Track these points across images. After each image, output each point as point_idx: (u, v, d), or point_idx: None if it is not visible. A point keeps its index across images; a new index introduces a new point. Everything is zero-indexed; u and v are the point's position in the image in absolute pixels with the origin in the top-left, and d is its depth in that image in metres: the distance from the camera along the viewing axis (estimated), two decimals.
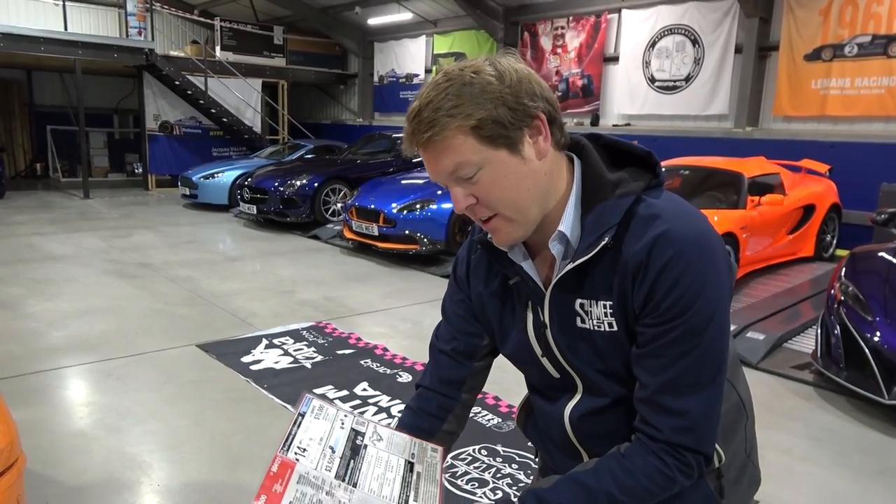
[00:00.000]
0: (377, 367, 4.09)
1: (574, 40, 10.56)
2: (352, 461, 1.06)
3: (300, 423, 1.08)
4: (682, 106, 9.28)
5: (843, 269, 4.06)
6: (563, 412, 1.23)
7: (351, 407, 3.50)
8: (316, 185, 8.85)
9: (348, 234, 7.58)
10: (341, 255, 7.58)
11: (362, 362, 4.15)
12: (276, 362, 4.11)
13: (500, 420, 3.33)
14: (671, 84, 9.37)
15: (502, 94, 1.02)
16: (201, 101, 12.67)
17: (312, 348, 4.38)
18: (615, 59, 10.06)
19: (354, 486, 1.04)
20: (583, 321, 1.13)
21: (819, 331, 3.97)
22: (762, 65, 8.63)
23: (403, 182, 7.77)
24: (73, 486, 2.69)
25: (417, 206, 6.98)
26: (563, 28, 10.71)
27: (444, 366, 1.34)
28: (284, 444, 1.06)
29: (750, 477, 1.33)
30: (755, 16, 8.41)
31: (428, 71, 13.18)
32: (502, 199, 1.07)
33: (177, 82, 12.28)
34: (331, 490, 1.02)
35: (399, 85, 14.00)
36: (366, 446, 1.07)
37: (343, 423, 1.10)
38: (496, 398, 3.55)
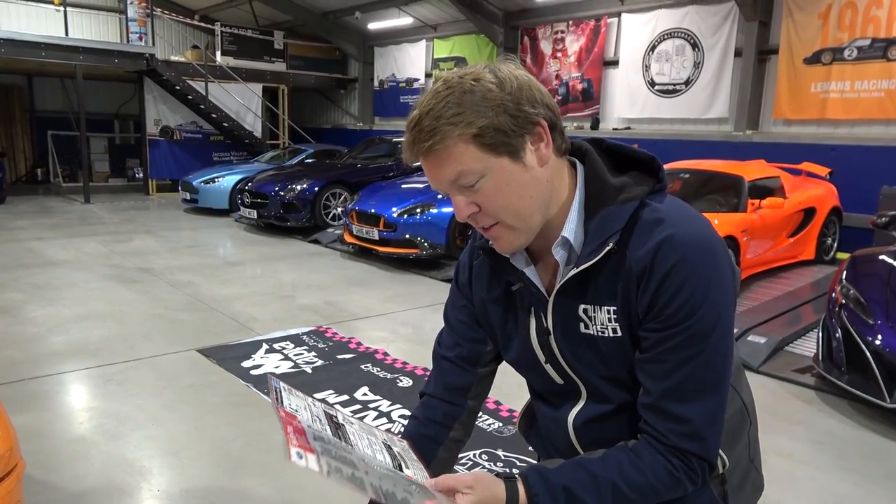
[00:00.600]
0: (377, 371, 4.08)
1: (574, 44, 10.58)
2: (338, 430, 1.05)
3: (281, 395, 1.06)
4: (682, 109, 9.29)
5: (844, 272, 4.05)
6: (567, 418, 1.23)
7: (351, 412, 3.49)
8: (316, 189, 8.86)
9: (349, 239, 7.58)
10: (342, 259, 7.58)
11: (363, 367, 4.15)
12: (277, 367, 4.10)
13: (500, 424, 3.33)
14: (671, 88, 9.38)
15: (503, 101, 1.01)
16: (202, 106, 12.70)
17: (313, 353, 4.37)
18: (615, 63, 10.08)
19: (351, 447, 1.03)
20: (586, 327, 1.13)
21: (820, 334, 3.96)
22: (762, 68, 8.64)
23: (404, 186, 7.78)
24: (72, 492, 2.68)
25: (418, 210, 6.98)
26: (562, 32, 10.73)
27: (449, 373, 1.33)
28: (278, 401, 1.04)
29: (753, 482, 1.33)
30: (755, 19, 8.42)
31: (428, 75, 13.21)
32: (505, 206, 1.06)
33: (177, 87, 12.31)
34: (335, 444, 1.02)
35: (399, 89, 14.03)
36: (343, 425, 1.06)
37: (314, 405, 1.09)
38: (497, 402, 3.54)
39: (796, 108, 8.22)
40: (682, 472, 1.06)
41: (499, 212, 1.07)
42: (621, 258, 1.07)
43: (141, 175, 13.76)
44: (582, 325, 1.13)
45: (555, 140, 1.08)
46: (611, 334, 1.10)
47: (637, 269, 1.05)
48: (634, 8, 9.70)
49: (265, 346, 4.45)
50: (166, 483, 2.79)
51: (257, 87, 13.77)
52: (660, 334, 1.05)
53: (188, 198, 10.92)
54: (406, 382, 3.90)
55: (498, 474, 1.09)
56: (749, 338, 4.43)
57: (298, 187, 8.85)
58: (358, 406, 3.56)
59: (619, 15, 9.95)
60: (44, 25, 12.97)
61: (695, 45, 9.06)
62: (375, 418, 3.42)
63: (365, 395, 3.72)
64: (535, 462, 1.37)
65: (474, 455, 2.99)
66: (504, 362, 1.35)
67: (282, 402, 1.04)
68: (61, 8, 11.82)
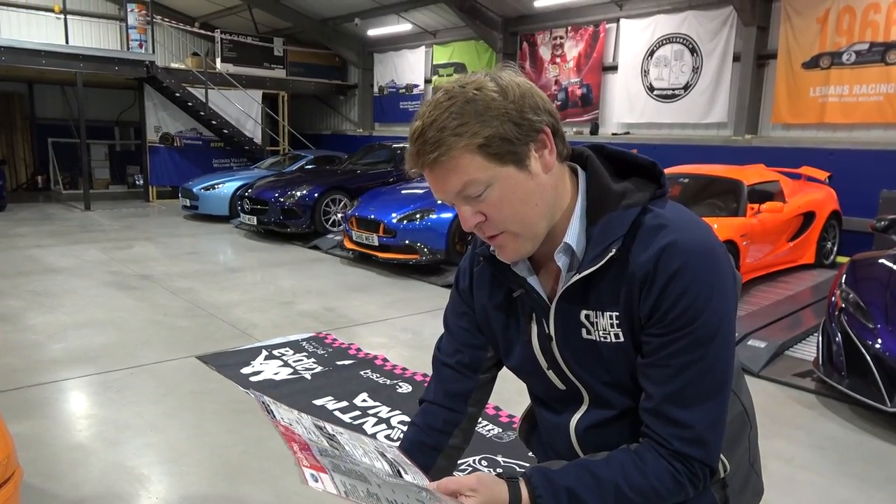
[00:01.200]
0: (377, 377, 4.07)
1: (573, 50, 10.60)
2: (331, 441, 1.04)
3: (270, 410, 1.05)
4: (681, 114, 9.30)
5: (844, 276, 4.05)
6: (569, 424, 1.22)
7: (350, 418, 3.48)
8: (316, 195, 8.87)
9: (348, 245, 7.58)
10: (341, 265, 7.58)
11: (362, 373, 4.14)
12: (276, 373, 4.10)
13: (500, 430, 3.32)
14: (670, 93, 9.40)
15: (507, 109, 1.01)
16: (202, 113, 12.72)
17: (312, 359, 4.36)
18: (614, 69, 10.10)
19: (353, 457, 1.02)
20: (588, 333, 1.13)
21: (820, 338, 3.96)
22: (760, 73, 8.66)
23: (403, 192, 7.78)
24: (71, 500, 2.67)
25: (417, 215, 6.98)
26: (561, 38, 10.75)
27: (449, 379, 1.32)
28: (271, 416, 1.03)
29: (754, 486, 1.32)
30: (753, 24, 8.44)
31: (428, 81, 13.23)
32: (511, 215, 1.06)
33: (177, 94, 12.33)
34: (340, 456, 1.01)
35: (399, 95, 14.05)
36: (334, 436, 1.05)
37: (302, 417, 1.08)
38: (497, 408, 3.53)
39: (795, 113, 8.23)
40: (684, 477, 1.06)
41: (505, 221, 1.07)
42: (624, 264, 1.07)
43: (141, 182, 13.76)
44: (584, 330, 1.13)
45: (557, 146, 1.08)
46: (613, 340, 1.10)
47: (640, 274, 1.05)
48: (633, 13, 9.72)
49: (265, 353, 4.44)
50: (165, 490, 2.78)
51: (257, 94, 13.79)
52: (662, 339, 1.05)
53: (188, 204, 10.93)
54: (406, 388, 3.90)
55: (499, 474, 1.08)
56: (749, 342, 4.42)
57: (298, 193, 8.86)
58: (357, 412, 3.56)
59: (617, 20, 9.97)
60: (44, 33, 13.03)
61: (693, 50, 9.08)
62: (375, 424, 3.41)
63: (364, 401, 3.71)
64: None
65: (474, 461, 2.99)
66: (504, 368, 1.34)
67: (273, 415, 1.04)
68: (61, 16, 11.87)
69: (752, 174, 6.32)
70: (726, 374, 1.07)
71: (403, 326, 5.21)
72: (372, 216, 7.20)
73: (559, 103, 10.76)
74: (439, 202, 6.94)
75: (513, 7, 10.94)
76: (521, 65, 11.02)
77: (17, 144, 14.48)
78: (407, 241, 6.89)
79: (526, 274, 1.17)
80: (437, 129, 1.01)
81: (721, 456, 1.13)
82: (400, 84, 13.99)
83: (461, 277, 1.33)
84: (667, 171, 6.53)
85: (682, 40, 9.19)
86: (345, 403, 3.67)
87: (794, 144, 8.22)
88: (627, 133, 10.00)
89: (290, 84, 14.54)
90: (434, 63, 13.08)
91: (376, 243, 7.09)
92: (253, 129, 13.74)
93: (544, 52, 11.01)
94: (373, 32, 13.51)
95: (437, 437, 1.31)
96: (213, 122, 12.90)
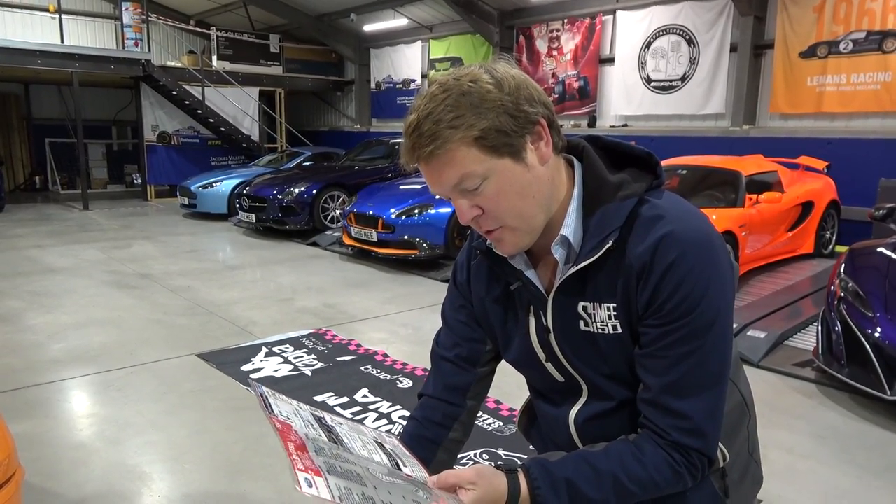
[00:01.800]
0: (377, 373, 4.07)
1: (569, 42, 10.58)
2: (329, 433, 1.04)
3: (269, 401, 1.05)
4: (678, 106, 9.28)
5: (843, 265, 4.05)
6: (569, 416, 1.22)
7: (351, 414, 3.49)
8: (314, 192, 8.86)
9: (347, 241, 7.58)
10: (340, 261, 7.57)
11: (362, 368, 4.14)
12: (277, 370, 4.10)
13: (500, 424, 3.32)
14: (667, 84, 9.38)
15: (503, 101, 1.01)
16: (199, 111, 12.70)
17: (312, 355, 4.37)
18: (611, 61, 10.08)
19: (350, 452, 1.02)
20: (586, 324, 1.13)
21: (820, 328, 3.96)
22: (758, 63, 8.64)
23: (401, 187, 7.77)
24: (73, 499, 2.68)
25: (416, 211, 6.98)
26: (558, 31, 10.73)
27: (448, 373, 1.32)
28: (269, 410, 1.03)
29: (753, 476, 1.33)
30: (749, 14, 8.42)
31: (424, 76, 13.21)
32: (509, 208, 1.06)
33: (174, 92, 12.31)
34: (336, 454, 1.00)
35: (396, 91, 14.02)
36: (333, 427, 1.04)
37: (301, 408, 1.07)
38: (497, 402, 3.54)
39: (793, 103, 8.21)
40: (683, 467, 1.06)
41: (503, 214, 1.06)
42: (621, 255, 1.06)
43: (139, 181, 13.76)
44: (582, 322, 1.13)
45: (553, 138, 1.08)
46: (611, 331, 1.10)
47: (637, 265, 1.05)
48: (629, 5, 9.69)
49: (265, 350, 4.45)
50: (167, 488, 2.79)
51: (254, 91, 13.77)
52: (659, 330, 1.05)
53: (187, 203, 10.92)
54: (406, 383, 3.90)
55: (498, 467, 1.08)
56: (749, 332, 4.43)
57: (296, 190, 8.85)
58: (358, 408, 3.56)
59: (613, 12, 9.94)
60: (39, 33, 12.98)
61: (690, 41, 9.06)
62: (376, 419, 3.42)
63: (365, 396, 3.72)
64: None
65: (475, 455, 2.99)
66: (503, 362, 1.34)
67: (271, 409, 1.03)
68: (56, 15, 11.83)
69: (750, 165, 6.32)
70: (724, 365, 1.07)
71: (403, 322, 5.21)
72: (370, 212, 7.20)
73: (556, 96, 10.74)
74: (438, 197, 6.93)
75: (509, 0, 10.91)
76: (518, 58, 10.99)
77: (15, 145, 14.46)
78: (406, 237, 6.89)
79: (523, 267, 1.17)
80: (432, 121, 1.00)
81: (720, 445, 1.13)
82: (397, 79, 13.96)
83: (458, 271, 1.33)
84: (665, 162, 6.52)
85: (678, 31, 9.17)
86: (345, 399, 3.67)
87: (791, 134, 8.21)
88: (625, 125, 9.98)
89: (286, 81, 14.51)
90: (431, 58, 13.05)
91: (375, 239, 7.09)
92: (250, 126, 13.72)
93: (541, 46, 10.98)
94: (369, 28, 13.47)
95: (436, 431, 1.31)
96: (211, 120, 12.88)
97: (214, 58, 13.58)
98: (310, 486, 0.96)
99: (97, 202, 12.36)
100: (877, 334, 3.45)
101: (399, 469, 1.02)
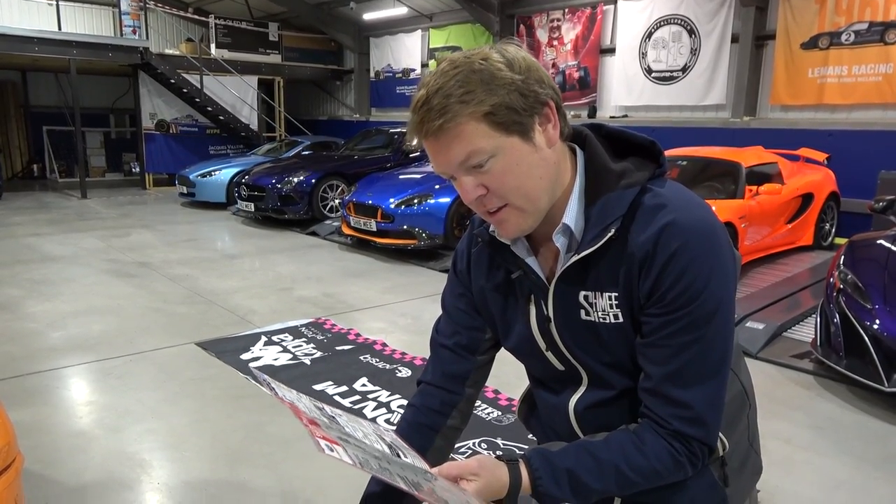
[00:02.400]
0: (376, 362, 4.08)
1: (570, 32, 10.53)
2: (331, 422, 1.04)
3: (272, 387, 1.05)
4: (679, 96, 9.26)
5: (842, 257, 4.05)
6: (568, 404, 1.22)
7: (350, 403, 3.50)
8: (313, 181, 8.84)
9: (346, 231, 7.57)
10: (340, 251, 7.57)
11: (361, 358, 4.15)
12: (276, 359, 4.10)
13: (499, 413, 3.33)
14: (668, 75, 9.35)
15: (513, 80, 1.00)
16: (197, 100, 12.64)
17: (311, 345, 4.37)
18: (612, 51, 10.03)
19: (348, 436, 1.02)
20: (587, 314, 1.12)
21: (818, 319, 3.97)
22: (759, 54, 8.61)
23: (401, 177, 7.76)
24: (72, 486, 2.68)
25: (415, 200, 6.96)
26: (559, 20, 10.67)
27: (447, 361, 1.32)
28: (275, 393, 1.03)
29: (753, 465, 1.33)
30: (751, 4, 8.38)
31: (424, 65, 13.14)
32: (515, 188, 1.04)
33: (172, 81, 12.25)
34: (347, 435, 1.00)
35: (395, 80, 13.96)
36: (333, 417, 1.04)
37: (301, 398, 1.07)
38: (496, 391, 3.55)
39: (794, 94, 8.19)
40: (683, 456, 1.06)
41: (508, 193, 1.05)
42: (623, 244, 1.06)
43: (137, 169, 13.71)
44: (583, 311, 1.13)
45: (560, 122, 1.07)
46: (612, 321, 1.10)
47: (639, 254, 1.04)
48: None
49: (264, 339, 4.45)
50: (167, 476, 2.79)
51: (253, 80, 13.70)
52: (661, 319, 1.04)
53: (185, 192, 10.89)
54: (405, 373, 3.91)
55: (499, 457, 1.08)
56: (747, 324, 4.43)
57: (295, 179, 8.83)
58: (357, 397, 3.57)
59: (615, 2, 9.89)
60: (36, 20, 12.89)
61: (691, 32, 9.02)
62: (375, 408, 3.42)
63: (364, 385, 3.72)
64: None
65: (474, 444, 3.00)
66: (502, 351, 1.34)
67: (276, 392, 1.04)
68: (53, 2, 11.75)
69: (750, 156, 6.31)
70: (726, 354, 1.07)
71: (402, 311, 5.21)
72: (370, 202, 7.18)
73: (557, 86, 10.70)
74: (437, 187, 6.92)
75: None
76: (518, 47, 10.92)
77: (12, 133, 14.40)
78: (405, 227, 6.88)
79: (524, 254, 1.17)
80: (442, 96, 0.99)
81: (720, 434, 1.13)
82: (397, 69, 13.90)
83: (459, 259, 1.32)
84: (665, 153, 6.51)
85: (679, 21, 9.13)
86: (344, 388, 3.68)
87: (792, 126, 8.19)
88: (625, 116, 9.96)
89: (285, 69, 14.44)
90: (431, 47, 12.99)
91: (374, 229, 7.08)
92: (249, 115, 13.66)
93: (541, 35, 10.93)
94: (368, 16, 13.40)
95: (434, 418, 1.31)
96: (209, 109, 12.83)
97: (213, 46, 13.51)
98: (331, 450, 0.95)
99: (95, 190, 12.32)
100: (875, 326, 3.45)
101: (399, 458, 1.02)
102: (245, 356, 4.13)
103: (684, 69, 9.15)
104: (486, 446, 2.99)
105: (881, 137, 7.43)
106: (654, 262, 1.03)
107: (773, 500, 2.64)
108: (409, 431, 1.28)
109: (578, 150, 1.15)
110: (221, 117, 12.99)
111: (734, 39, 8.64)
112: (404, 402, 3.46)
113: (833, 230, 7.14)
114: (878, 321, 3.46)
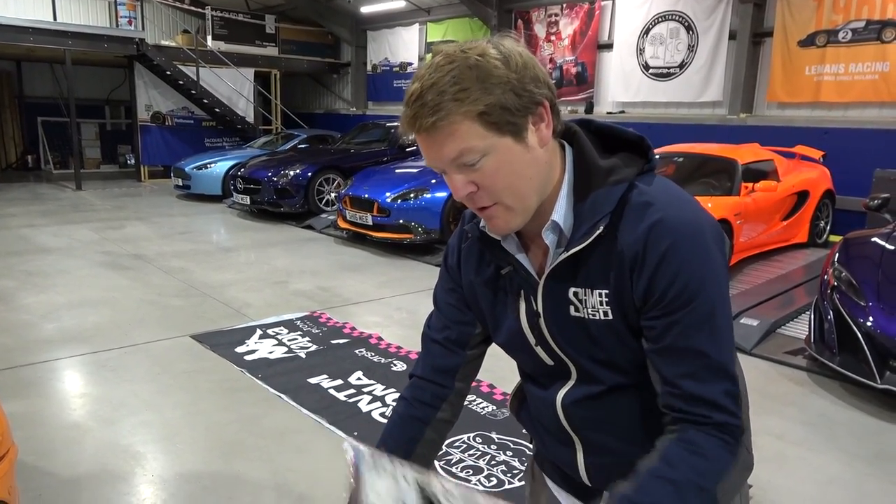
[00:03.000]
0: (372, 356, 4.08)
1: (568, 27, 10.51)
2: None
3: (362, 478, 0.98)
4: (676, 93, 9.26)
5: (837, 254, 4.06)
6: (556, 398, 1.23)
7: (345, 396, 3.50)
8: (309, 174, 8.82)
9: (342, 224, 7.56)
10: (335, 244, 7.56)
11: (357, 352, 4.15)
12: (271, 352, 4.10)
13: (494, 408, 3.34)
14: (665, 71, 9.34)
15: (509, 79, 0.99)
16: (193, 92, 12.58)
17: (307, 338, 4.37)
18: (609, 47, 10.02)
19: None
20: (577, 310, 1.12)
21: (812, 316, 3.98)
22: (756, 51, 8.61)
23: (397, 171, 7.74)
24: (66, 478, 2.68)
25: (411, 195, 6.96)
26: (556, 15, 10.65)
27: (437, 355, 1.32)
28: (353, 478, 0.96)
29: (743, 462, 1.32)
30: (749, 2, 8.38)
31: (422, 59, 13.12)
32: (505, 187, 1.04)
33: (168, 72, 12.19)
34: None
35: (392, 74, 13.93)
36: (436, 497, 0.96)
37: (406, 477, 0.99)
38: (490, 386, 3.55)
39: (790, 91, 8.20)
40: (732, 444, 1.04)
41: (498, 191, 1.05)
42: (612, 241, 1.06)
43: (133, 161, 13.66)
44: (572, 308, 1.13)
45: (553, 121, 1.07)
46: (602, 317, 1.10)
47: (629, 254, 1.04)
48: None
49: (259, 332, 4.44)
50: (160, 468, 2.79)
51: (249, 72, 13.64)
52: (664, 321, 1.04)
53: (181, 184, 10.85)
54: (400, 367, 3.91)
55: None
56: (742, 320, 4.45)
57: (291, 173, 8.80)
58: (352, 390, 3.57)
59: None
60: (31, 10, 12.79)
61: (689, 28, 9.01)
62: (370, 402, 3.43)
63: (359, 379, 3.72)
64: (541, 451, 1.37)
65: (468, 438, 3.01)
66: (494, 345, 1.34)
67: (359, 470, 0.96)
68: None
69: (746, 153, 6.31)
70: (732, 341, 1.08)
71: (398, 305, 5.21)
72: (366, 195, 7.17)
73: (554, 82, 10.58)
74: (433, 182, 6.92)
75: None
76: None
77: (6, 123, 14.32)
78: (401, 221, 6.87)
79: (515, 251, 1.17)
80: (436, 92, 0.98)
81: None
82: (394, 62, 13.86)
83: (450, 254, 1.32)
84: (661, 149, 6.52)
85: (677, 18, 9.12)
86: (339, 382, 3.68)
87: (788, 123, 8.21)
88: (622, 112, 9.95)
89: (282, 62, 14.39)
90: (428, 41, 12.95)
91: (370, 223, 7.07)
92: (245, 107, 13.61)
93: (539, 30, 10.91)
94: (366, 9, 13.35)
95: (424, 410, 1.32)
96: (205, 101, 12.77)
97: (209, 38, 13.44)
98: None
99: (90, 182, 12.27)
100: (869, 323, 3.47)
101: None
102: (240, 349, 4.13)
103: (681, 66, 9.15)
104: (480, 440, 3.00)
105: (877, 135, 7.45)
106: (645, 263, 1.03)
107: (765, 496, 2.66)
108: (402, 423, 1.29)
109: (567, 147, 1.14)
110: (217, 110, 12.94)
111: (732, 36, 8.64)
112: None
113: (828, 228, 7.17)
114: (871, 318, 3.48)
